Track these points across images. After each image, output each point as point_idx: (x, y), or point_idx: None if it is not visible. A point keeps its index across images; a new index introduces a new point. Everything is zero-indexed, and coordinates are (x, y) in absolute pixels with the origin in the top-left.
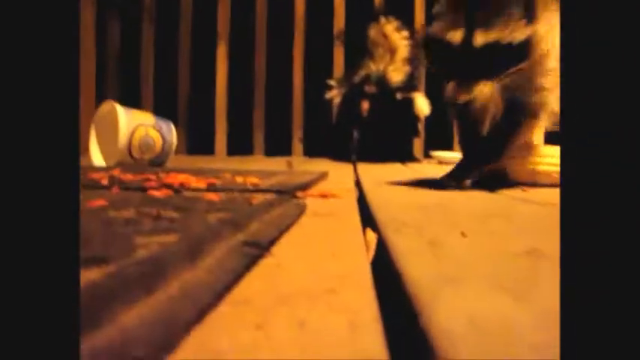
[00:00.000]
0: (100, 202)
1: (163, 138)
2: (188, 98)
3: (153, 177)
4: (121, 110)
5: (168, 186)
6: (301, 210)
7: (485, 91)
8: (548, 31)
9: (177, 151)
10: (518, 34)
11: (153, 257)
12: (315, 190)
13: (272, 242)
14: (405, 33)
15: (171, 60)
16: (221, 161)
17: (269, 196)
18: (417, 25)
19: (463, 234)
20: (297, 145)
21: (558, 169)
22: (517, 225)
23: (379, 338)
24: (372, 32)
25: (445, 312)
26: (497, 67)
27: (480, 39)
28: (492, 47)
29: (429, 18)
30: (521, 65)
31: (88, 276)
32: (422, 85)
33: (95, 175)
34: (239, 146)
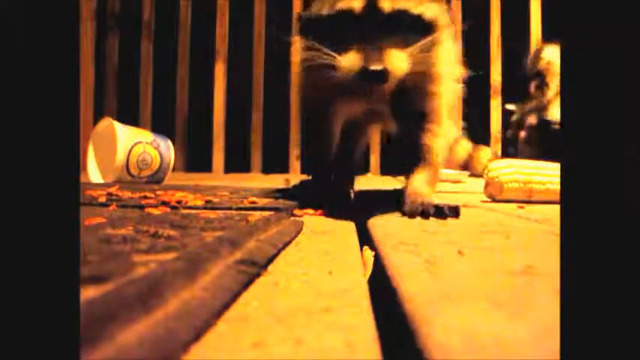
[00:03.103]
0: (97, 220)
1: (161, 155)
2: (186, 115)
3: (150, 194)
4: (119, 127)
5: (166, 203)
6: (299, 228)
7: (399, 63)
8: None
9: (174, 169)
10: (425, 8)
11: (151, 276)
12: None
13: (269, 260)
14: None
15: (169, 77)
16: (218, 179)
17: (266, 214)
18: None
19: (460, 252)
20: (295, 163)
21: (554, 185)
22: (513, 242)
23: (376, 357)
24: (539, 60)
25: (441, 328)
26: (407, 39)
27: (387, 4)
28: (400, 16)
29: None
30: (425, 40)
31: (87, 294)
32: None
33: (93, 192)
34: (236, 164)
